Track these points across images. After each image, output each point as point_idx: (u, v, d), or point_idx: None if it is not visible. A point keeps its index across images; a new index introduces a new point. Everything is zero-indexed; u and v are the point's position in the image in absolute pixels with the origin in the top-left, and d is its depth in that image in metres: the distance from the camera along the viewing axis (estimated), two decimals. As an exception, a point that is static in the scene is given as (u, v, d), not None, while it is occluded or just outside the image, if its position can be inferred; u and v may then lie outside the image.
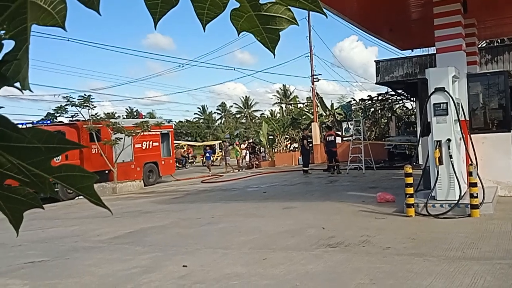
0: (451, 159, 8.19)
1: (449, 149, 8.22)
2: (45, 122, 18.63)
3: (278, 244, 6.92)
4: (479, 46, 15.53)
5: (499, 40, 20.14)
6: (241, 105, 79.24)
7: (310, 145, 22.19)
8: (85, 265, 6.52)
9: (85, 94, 17.95)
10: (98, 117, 18.25)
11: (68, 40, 26.36)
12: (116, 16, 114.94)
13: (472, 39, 11.60)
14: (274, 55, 1.08)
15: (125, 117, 52.59)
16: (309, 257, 6.00)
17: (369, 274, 5.07)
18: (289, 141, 28.63)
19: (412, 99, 24.15)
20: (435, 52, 10.28)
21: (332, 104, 33.96)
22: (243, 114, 78.86)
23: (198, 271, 5.75)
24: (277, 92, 71.44)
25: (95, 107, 18.10)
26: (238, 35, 1.04)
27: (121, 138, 17.94)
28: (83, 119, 17.89)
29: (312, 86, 27.47)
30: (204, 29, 1.01)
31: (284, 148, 27.84)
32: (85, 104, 17.61)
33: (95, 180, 0.89)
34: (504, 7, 11.51)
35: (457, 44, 9.68)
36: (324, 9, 1.00)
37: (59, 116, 19.05)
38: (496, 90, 10.25)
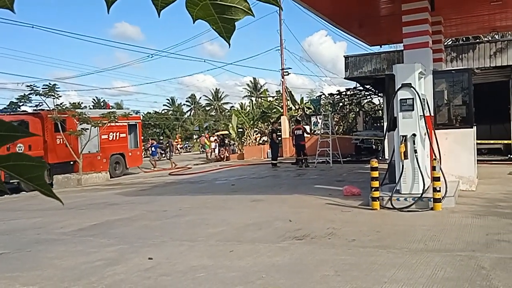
0: (416, 154, 8.36)
1: (414, 144, 8.39)
2: (7, 111, 18.07)
3: (245, 236, 6.93)
4: (445, 43, 15.89)
5: (464, 38, 20.63)
6: (211, 98, 78.86)
7: (279, 138, 22.30)
8: (48, 258, 6.38)
9: (50, 83, 17.47)
10: (64, 107, 17.81)
11: (32, 27, 25.61)
12: (82, 4, 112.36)
13: (438, 36, 11.85)
14: (229, 45, 1.07)
15: (91, 107, 51.54)
16: (276, 249, 6.04)
17: (334, 266, 5.14)
18: (259, 134, 28.68)
19: (379, 94, 24.53)
20: (402, 48, 10.46)
21: (302, 98, 34.16)
22: (212, 106, 78.49)
23: (164, 263, 5.71)
24: (248, 85, 71.49)
25: (60, 96, 17.65)
26: (193, 23, 1.03)
27: (87, 129, 17.57)
28: (48, 108, 17.42)
29: (282, 79, 27.56)
30: (159, 15, 0.99)
31: (253, 141, 27.88)
32: (50, 94, 17.13)
33: (45, 169, 0.86)
34: (469, 6, 11.79)
35: (424, 41, 9.87)
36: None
37: (23, 105, 18.48)
38: (460, 87, 10.51)
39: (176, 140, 39.21)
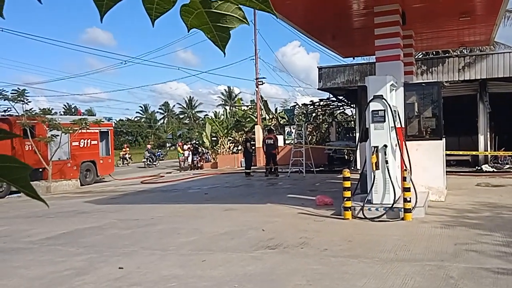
0: (387, 165, 8.49)
1: (385, 154, 8.52)
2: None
3: (217, 245, 6.89)
4: (416, 57, 16.25)
5: (434, 52, 21.16)
6: (185, 106, 78.52)
7: (253, 147, 22.33)
8: (14, 267, 6.20)
9: (19, 88, 17.09)
10: (33, 113, 17.42)
11: (1, 30, 25.02)
12: (53, 8, 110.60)
13: (409, 50, 12.11)
14: (225, 54, 1.07)
15: (62, 113, 50.61)
16: (248, 259, 6.02)
17: (306, 276, 5.16)
18: (232, 143, 28.63)
19: (352, 105, 24.86)
20: (375, 61, 10.64)
21: (276, 108, 34.39)
22: (186, 114, 78.13)
23: (135, 273, 5.62)
24: (222, 93, 71.56)
25: (29, 102, 17.28)
26: (188, 32, 1.03)
27: (57, 135, 17.22)
28: (17, 114, 17.02)
29: (257, 89, 27.65)
30: (153, 25, 0.99)
31: (227, 150, 27.82)
32: (19, 99, 16.74)
33: (30, 171, 0.85)
34: (439, 21, 12.10)
35: (396, 54, 10.07)
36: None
37: (-10, 110, 18.00)
38: (430, 99, 10.74)
39: (124, 150, 35.99)
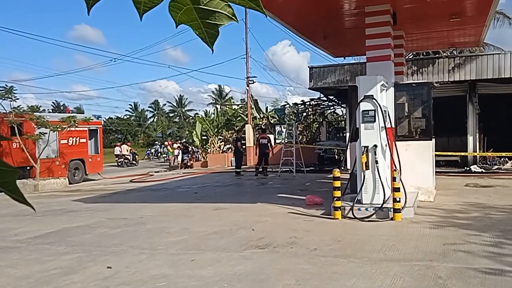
0: (377, 165, 8.50)
1: (375, 154, 8.53)
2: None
3: (207, 245, 6.86)
4: (406, 57, 16.32)
5: (424, 52, 21.28)
6: (175, 104, 78.27)
7: (244, 147, 22.30)
8: (1, 266, 6.12)
9: (6, 85, 16.93)
10: (21, 110, 17.24)
11: (-13, 26, 24.76)
12: (41, 4, 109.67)
13: (400, 50, 12.15)
14: (213, 50, 1.05)
15: (50, 111, 50.16)
16: (238, 258, 6.00)
17: (296, 275, 5.15)
18: (223, 142, 28.59)
19: (342, 105, 24.94)
20: (366, 61, 10.67)
21: (267, 107, 34.42)
22: (176, 113, 77.86)
23: (123, 272, 5.57)
24: (213, 92, 71.42)
25: (17, 99, 17.09)
26: (176, 27, 1.01)
27: (45, 133, 17.06)
28: (4, 111, 16.83)
29: (247, 88, 27.63)
30: (140, 19, 0.97)
31: (218, 149, 27.76)
32: (6, 96, 16.55)
33: (17, 175, 0.82)
34: (430, 21, 12.16)
35: (386, 54, 10.10)
36: (260, 12, 1.00)
37: (-23, 107, 17.77)
38: (420, 100, 10.79)
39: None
